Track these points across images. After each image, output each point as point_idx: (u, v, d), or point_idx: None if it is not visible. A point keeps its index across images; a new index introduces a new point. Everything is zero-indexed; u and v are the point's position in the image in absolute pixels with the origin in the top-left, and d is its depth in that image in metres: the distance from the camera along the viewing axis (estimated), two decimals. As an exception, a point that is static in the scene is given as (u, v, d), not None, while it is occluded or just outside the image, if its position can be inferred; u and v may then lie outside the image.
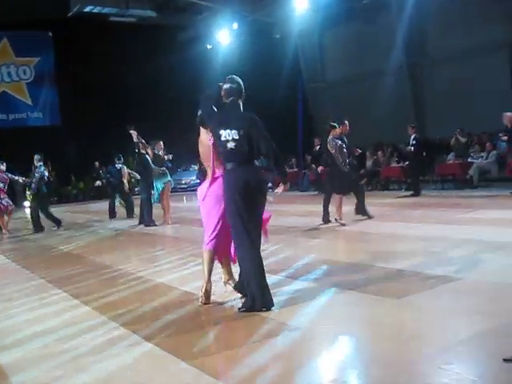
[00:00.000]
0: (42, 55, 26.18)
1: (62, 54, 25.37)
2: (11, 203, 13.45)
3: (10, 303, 5.95)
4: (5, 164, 13.17)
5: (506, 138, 13.38)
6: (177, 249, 9.02)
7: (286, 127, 24.12)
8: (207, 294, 5.09)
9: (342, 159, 10.03)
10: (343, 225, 9.82)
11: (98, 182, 19.46)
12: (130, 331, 4.52)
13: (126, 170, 15.04)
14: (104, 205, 16.31)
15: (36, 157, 13.07)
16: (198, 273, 5.91)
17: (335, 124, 10.20)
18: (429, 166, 16.79)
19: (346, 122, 10.61)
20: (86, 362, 3.90)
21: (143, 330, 4.52)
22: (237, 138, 4.75)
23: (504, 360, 3.23)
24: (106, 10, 23.85)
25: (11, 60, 25.81)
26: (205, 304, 5.05)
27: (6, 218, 13.20)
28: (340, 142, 10.09)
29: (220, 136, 4.80)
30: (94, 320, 4.97)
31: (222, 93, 4.93)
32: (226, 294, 5.36)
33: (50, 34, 25.70)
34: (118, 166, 14.90)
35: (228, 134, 4.76)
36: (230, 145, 4.75)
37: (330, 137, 10.09)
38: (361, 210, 10.57)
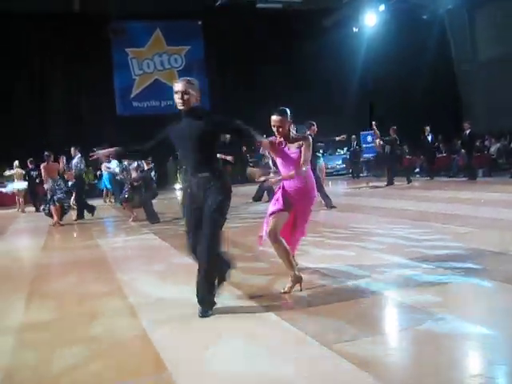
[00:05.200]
0: (192, 44, 27.20)
1: (210, 42, 26.23)
2: None
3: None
4: None
5: None
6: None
7: (430, 111, 23.46)
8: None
9: None
10: None
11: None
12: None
13: None
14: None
15: None
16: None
17: None
18: None
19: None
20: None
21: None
22: None
23: None
24: (252, -3, 24.39)
25: (163, 49, 27.08)
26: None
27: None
28: None
29: None
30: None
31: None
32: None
33: (200, 22, 26.60)
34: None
35: None
36: None
37: None
38: None
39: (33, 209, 18.15)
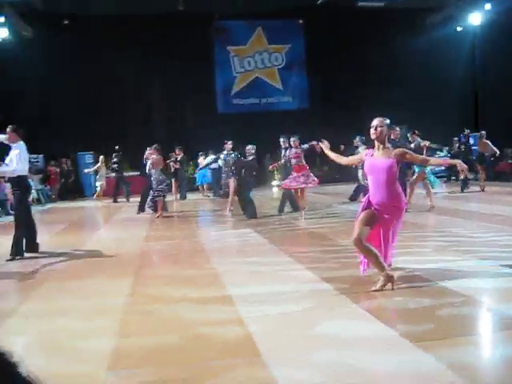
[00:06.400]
0: (293, 42, 27.40)
1: (311, 40, 26.30)
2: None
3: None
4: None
5: None
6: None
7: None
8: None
9: None
10: None
11: None
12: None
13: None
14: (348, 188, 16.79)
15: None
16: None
17: None
18: None
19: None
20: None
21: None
22: None
23: None
24: (354, -5, 24.24)
25: (264, 47, 27.41)
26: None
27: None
28: None
29: None
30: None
31: None
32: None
33: (301, 21, 26.78)
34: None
35: None
36: None
37: None
38: None
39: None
